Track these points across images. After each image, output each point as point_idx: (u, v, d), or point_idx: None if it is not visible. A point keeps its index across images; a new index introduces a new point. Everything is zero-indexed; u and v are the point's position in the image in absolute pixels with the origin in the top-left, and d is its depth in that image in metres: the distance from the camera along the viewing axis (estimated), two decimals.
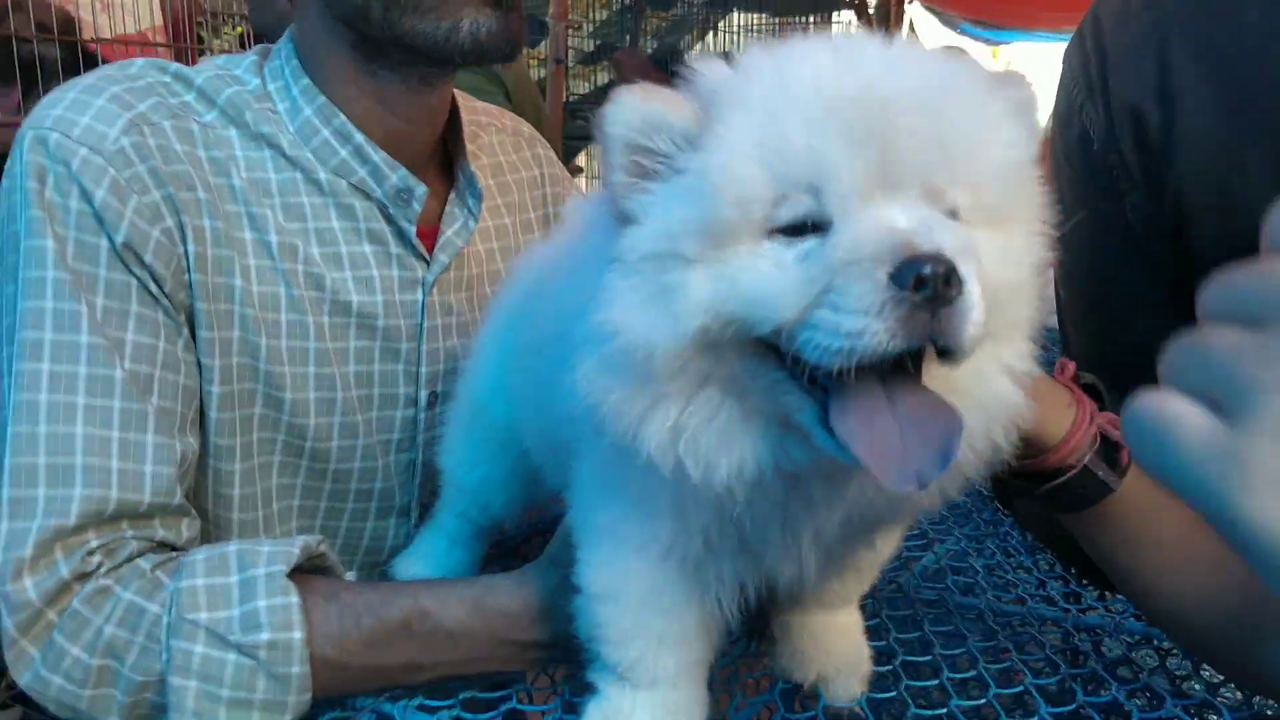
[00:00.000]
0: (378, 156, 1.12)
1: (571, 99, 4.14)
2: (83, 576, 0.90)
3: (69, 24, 2.82)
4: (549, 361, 0.74)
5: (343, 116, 1.11)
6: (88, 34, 3.06)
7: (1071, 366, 0.87)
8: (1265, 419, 0.38)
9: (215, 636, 0.87)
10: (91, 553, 0.90)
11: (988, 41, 6.66)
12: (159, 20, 3.26)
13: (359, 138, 1.12)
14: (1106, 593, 1.15)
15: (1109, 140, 0.89)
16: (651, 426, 0.63)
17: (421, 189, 1.15)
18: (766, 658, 0.95)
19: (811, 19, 5.44)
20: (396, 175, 1.13)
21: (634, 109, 0.61)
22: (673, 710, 0.80)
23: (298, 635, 0.88)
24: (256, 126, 1.10)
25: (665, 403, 0.63)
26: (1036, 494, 0.84)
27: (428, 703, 0.91)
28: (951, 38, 7.50)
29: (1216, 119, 0.79)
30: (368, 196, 1.14)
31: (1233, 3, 0.78)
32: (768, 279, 0.58)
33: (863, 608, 0.97)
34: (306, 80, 1.12)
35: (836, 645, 0.91)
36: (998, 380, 0.66)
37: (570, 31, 4.06)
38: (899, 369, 0.59)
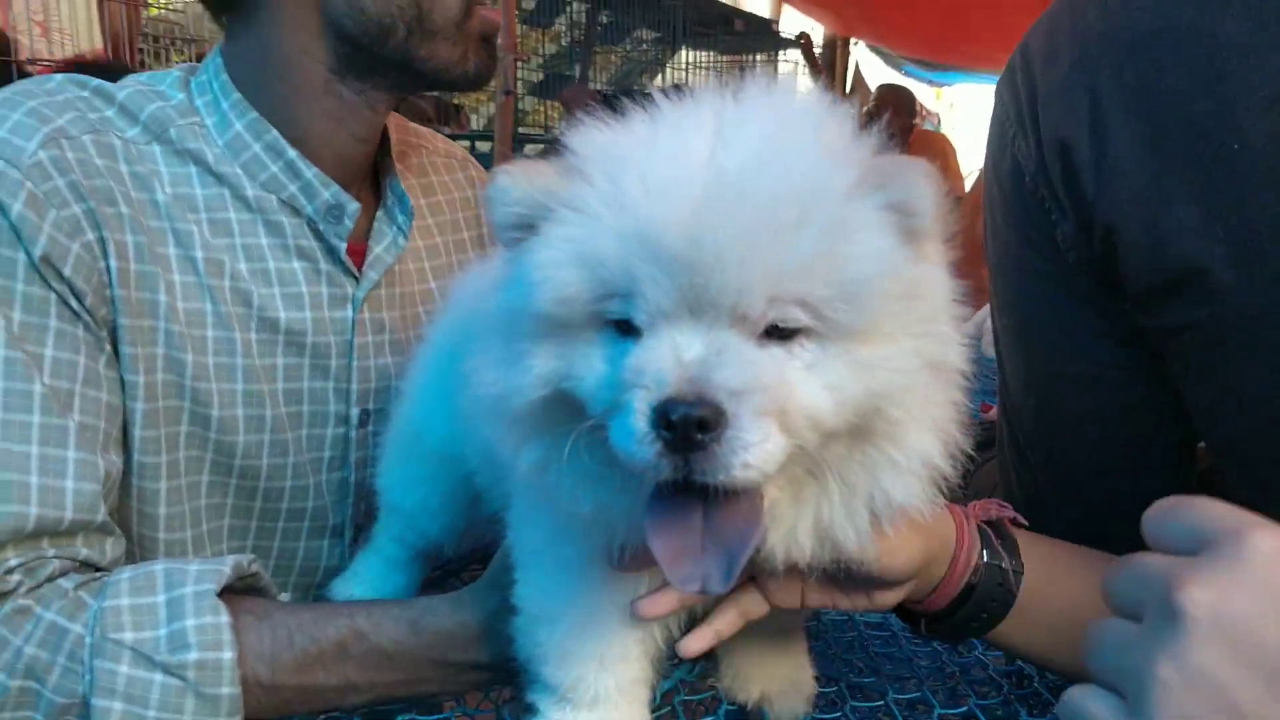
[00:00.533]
0: (310, 172, 1.11)
1: (520, 130, 4.15)
2: (1, 596, 0.86)
3: (3, 44, 2.77)
4: None
5: (275, 132, 1.10)
6: (24, 56, 3.01)
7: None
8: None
9: (141, 656, 0.84)
10: (10, 571, 0.86)
11: (931, 82, 6.84)
12: (99, 44, 3.21)
13: (291, 153, 1.10)
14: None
15: (1039, 172, 0.90)
16: (522, 460, 0.68)
17: (354, 205, 1.14)
18: (710, 679, 0.94)
19: (759, 57, 5.54)
20: (329, 191, 1.12)
21: (503, 196, 0.65)
22: None
23: (227, 655, 0.85)
24: (181, 142, 1.08)
25: (528, 443, 0.67)
26: (943, 629, 0.86)
27: None
28: (895, 78, 7.70)
29: (1143, 154, 0.81)
30: (297, 213, 1.12)
31: (1157, 47, 0.80)
32: (592, 371, 0.62)
33: (807, 630, 0.96)
34: (237, 95, 1.10)
35: (779, 665, 0.91)
36: (884, 474, 0.65)
37: (519, 64, 4.08)
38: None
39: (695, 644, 0.77)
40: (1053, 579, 0.84)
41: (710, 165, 0.59)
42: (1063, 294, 0.94)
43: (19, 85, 1.03)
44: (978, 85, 7.50)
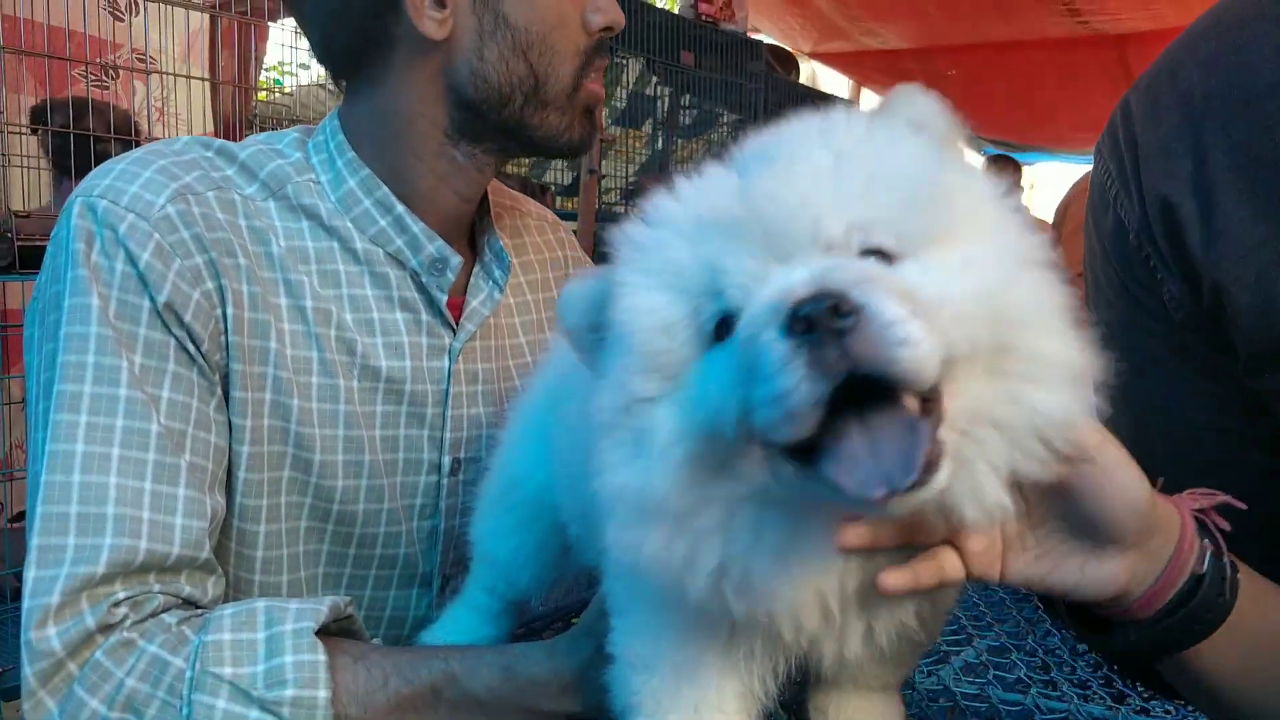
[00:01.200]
0: (417, 227, 1.16)
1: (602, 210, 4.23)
2: (107, 628, 0.88)
3: (127, 125, 2.95)
4: (587, 435, 0.74)
5: (385, 189, 1.15)
6: (144, 138, 3.19)
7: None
8: None
9: (239, 691, 0.85)
10: (117, 604, 0.89)
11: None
12: (211, 127, 3.40)
13: (400, 209, 1.15)
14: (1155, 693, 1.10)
15: (1144, 230, 0.89)
16: (697, 570, 0.63)
17: (457, 259, 1.18)
18: None
19: None
20: (434, 246, 1.16)
21: (572, 300, 0.68)
22: None
23: (323, 694, 0.85)
24: (297, 198, 1.13)
25: (705, 541, 0.62)
26: (1153, 637, 0.73)
27: None
28: (974, 157, 7.68)
29: (1251, 214, 0.79)
30: (402, 266, 1.17)
31: (1265, 105, 0.79)
32: (712, 388, 0.60)
33: (904, 700, 0.93)
34: (351, 154, 1.16)
35: None
36: (1034, 395, 0.60)
37: (603, 144, 4.17)
38: (879, 397, 0.56)
39: (894, 580, 0.66)
40: (1257, 596, 0.75)
41: (748, 153, 0.64)
42: (1172, 354, 0.91)
43: (150, 146, 1.10)
44: (1059, 164, 7.46)
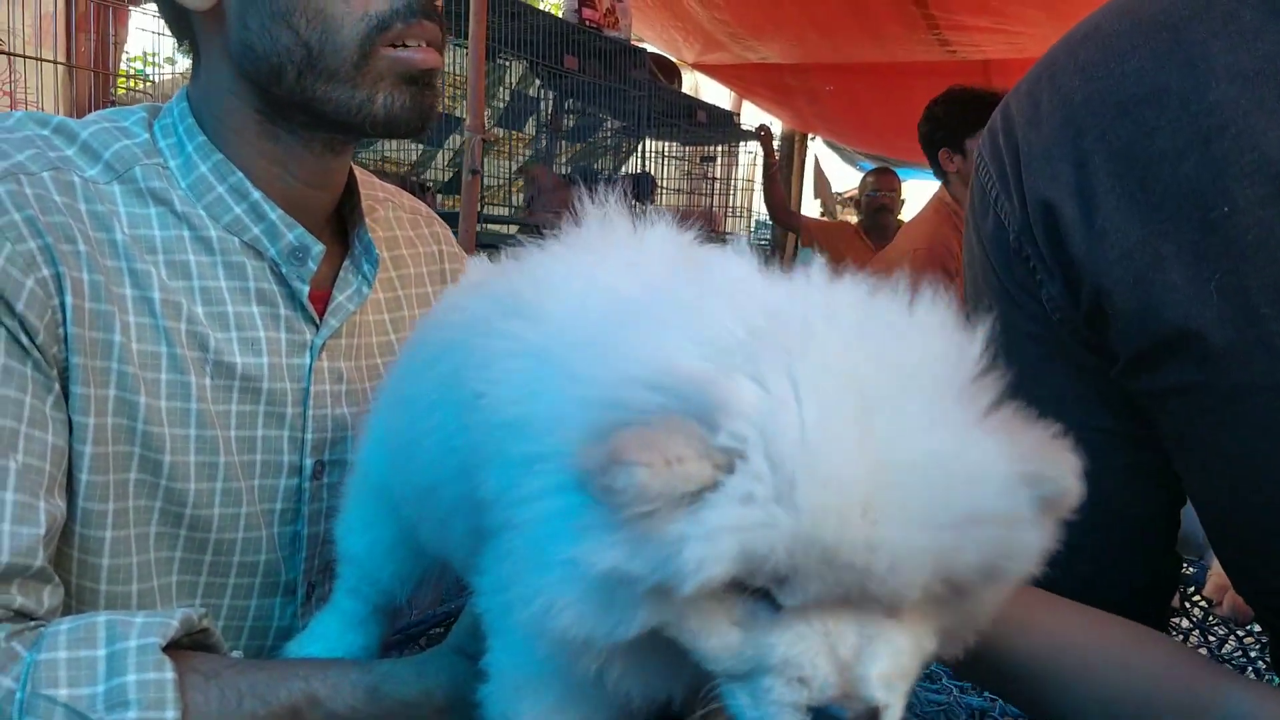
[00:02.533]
0: (274, 214, 1.09)
1: (484, 211, 4.17)
2: None
3: None
4: (468, 427, 0.70)
5: (240, 174, 1.08)
6: None
7: None
8: None
9: (75, 715, 0.77)
10: None
11: None
12: (65, 114, 3.19)
13: (256, 194, 1.09)
14: None
15: (1024, 232, 0.90)
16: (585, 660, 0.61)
17: (318, 247, 1.12)
18: None
19: (720, 148, 5.66)
20: (294, 234, 1.10)
21: (642, 486, 0.52)
22: None
23: (170, 715, 0.79)
24: (145, 181, 1.05)
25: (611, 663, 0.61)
26: None
27: None
28: (851, 172, 7.91)
29: (1132, 217, 0.80)
30: (260, 256, 1.10)
31: (1144, 110, 0.81)
32: (721, 636, 0.57)
33: None
34: (203, 138, 1.08)
35: None
36: None
37: (484, 143, 4.11)
38: None
39: None
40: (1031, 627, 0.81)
41: (877, 460, 0.53)
42: (1049, 356, 0.93)
43: None
44: (927, 181, 7.74)
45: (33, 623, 0.86)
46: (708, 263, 0.69)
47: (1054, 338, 0.91)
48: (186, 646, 0.86)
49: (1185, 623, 1.33)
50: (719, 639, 0.57)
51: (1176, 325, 0.78)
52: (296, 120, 1.08)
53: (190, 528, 1.04)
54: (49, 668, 0.79)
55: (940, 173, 3.64)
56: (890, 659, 0.56)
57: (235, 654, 0.95)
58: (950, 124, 3.48)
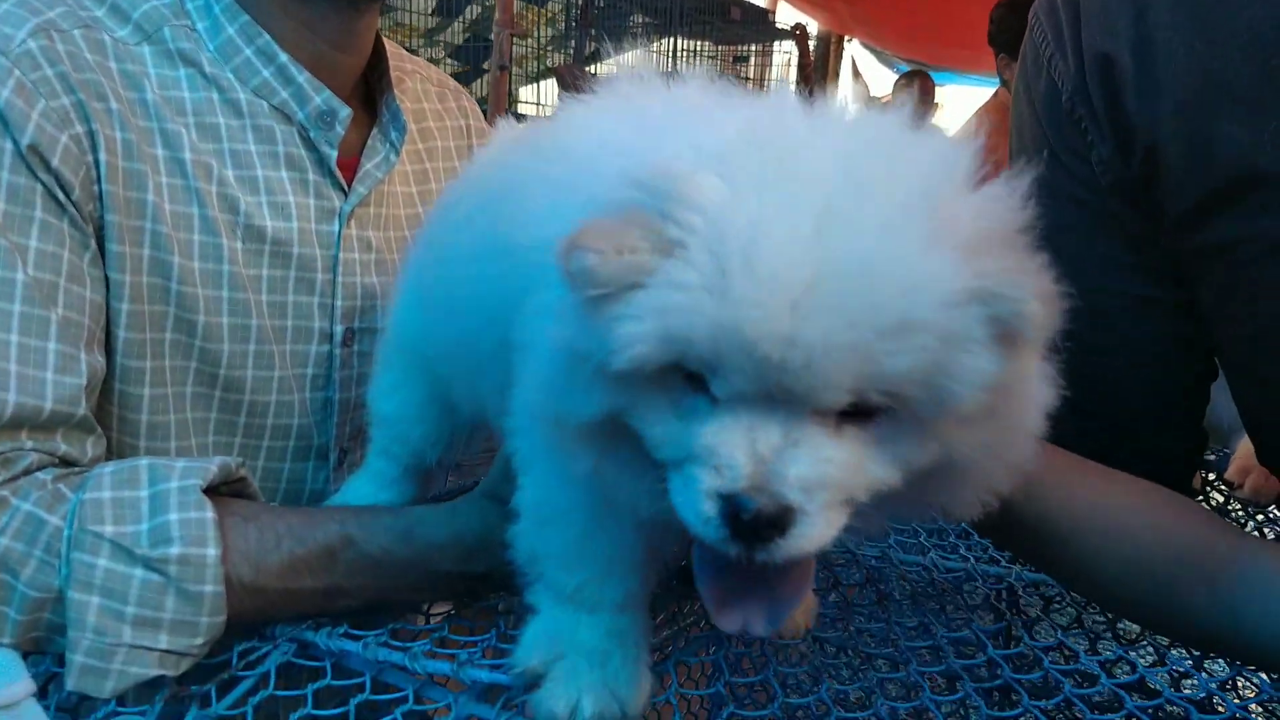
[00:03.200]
0: (302, 77, 1.09)
1: (515, 106, 4.13)
2: None
3: None
4: (504, 273, 0.71)
5: (267, 36, 1.08)
6: None
7: None
8: None
9: (120, 549, 0.80)
10: None
11: None
12: None
13: (283, 58, 1.08)
14: None
15: (1078, 91, 0.88)
16: (577, 466, 0.66)
17: (345, 111, 1.11)
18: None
19: (753, 47, 5.53)
20: (320, 97, 1.10)
21: (593, 272, 0.55)
22: (618, 633, 0.75)
23: (211, 552, 0.82)
24: (174, 43, 1.05)
25: (581, 451, 0.65)
26: None
27: (354, 631, 0.84)
28: (888, 74, 7.72)
29: (1191, 65, 0.79)
30: (288, 120, 1.10)
31: None
32: (661, 421, 0.60)
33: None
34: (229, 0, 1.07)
35: None
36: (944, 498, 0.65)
37: (515, 40, 4.05)
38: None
39: None
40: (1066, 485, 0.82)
41: (816, 258, 0.53)
42: (1092, 221, 0.93)
43: None
44: (966, 87, 7.54)
45: (77, 469, 0.89)
46: (733, 95, 0.68)
47: (1101, 203, 0.91)
48: (225, 495, 0.89)
49: (1206, 506, 1.34)
50: (662, 427, 0.59)
51: (1230, 175, 0.77)
52: None
53: (224, 389, 1.06)
54: (94, 506, 0.82)
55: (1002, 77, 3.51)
56: (813, 465, 0.56)
57: (272, 504, 0.98)
58: (1013, 27, 3.37)
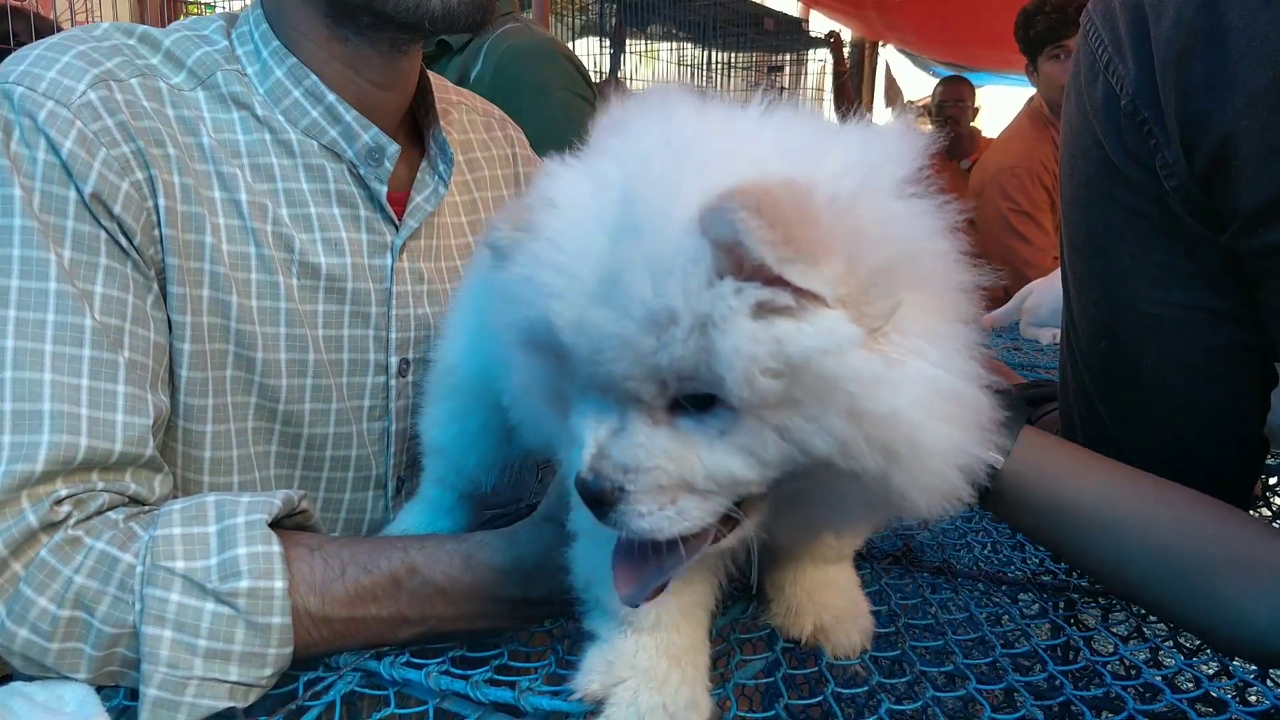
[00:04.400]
0: (349, 115, 1.12)
1: None
2: (51, 526, 0.85)
3: (51, 32, 2.81)
4: None
5: (314, 77, 1.11)
6: None
7: None
8: None
9: (192, 584, 0.83)
10: (60, 502, 0.86)
11: None
12: None
13: (331, 97, 1.11)
14: None
15: (1142, 93, 0.87)
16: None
17: (394, 147, 1.14)
18: (763, 617, 0.92)
19: (788, 57, 5.53)
20: (369, 134, 1.13)
21: (495, 239, 0.66)
22: (675, 653, 0.76)
23: (279, 584, 0.84)
24: (227, 87, 1.09)
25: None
26: None
27: (415, 660, 0.86)
28: (924, 78, 7.65)
29: (1266, 58, 0.77)
30: (338, 158, 1.13)
31: None
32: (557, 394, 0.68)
33: (859, 570, 0.94)
34: (277, 43, 1.11)
35: (831, 598, 0.89)
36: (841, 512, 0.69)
37: None
38: None
39: None
40: (1042, 472, 0.84)
41: (608, 257, 0.59)
42: (1151, 230, 0.91)
43: (67, 32, 1.04)
44: (1006, 88, 7.45)
45: (146, 508, 0.92)
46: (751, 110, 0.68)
47: (1161, 211, 0.89)
48: (288, 528, 0.92)
49: (1266, 511, 1.31)
50: (560, 406, 0.67)
51: None
52: (362, 21, 1.10)
53: (284, 423, 1.09)
54: (166, 543, 0.85)
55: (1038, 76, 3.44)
56: (629, 450, 0.62)
57: (333, 535, 1.01)
58: (1056, 22, 3.27)
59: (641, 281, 0.57)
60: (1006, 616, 0.97)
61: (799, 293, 0.56)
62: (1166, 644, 0.94)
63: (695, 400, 0.60)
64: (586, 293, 0.59)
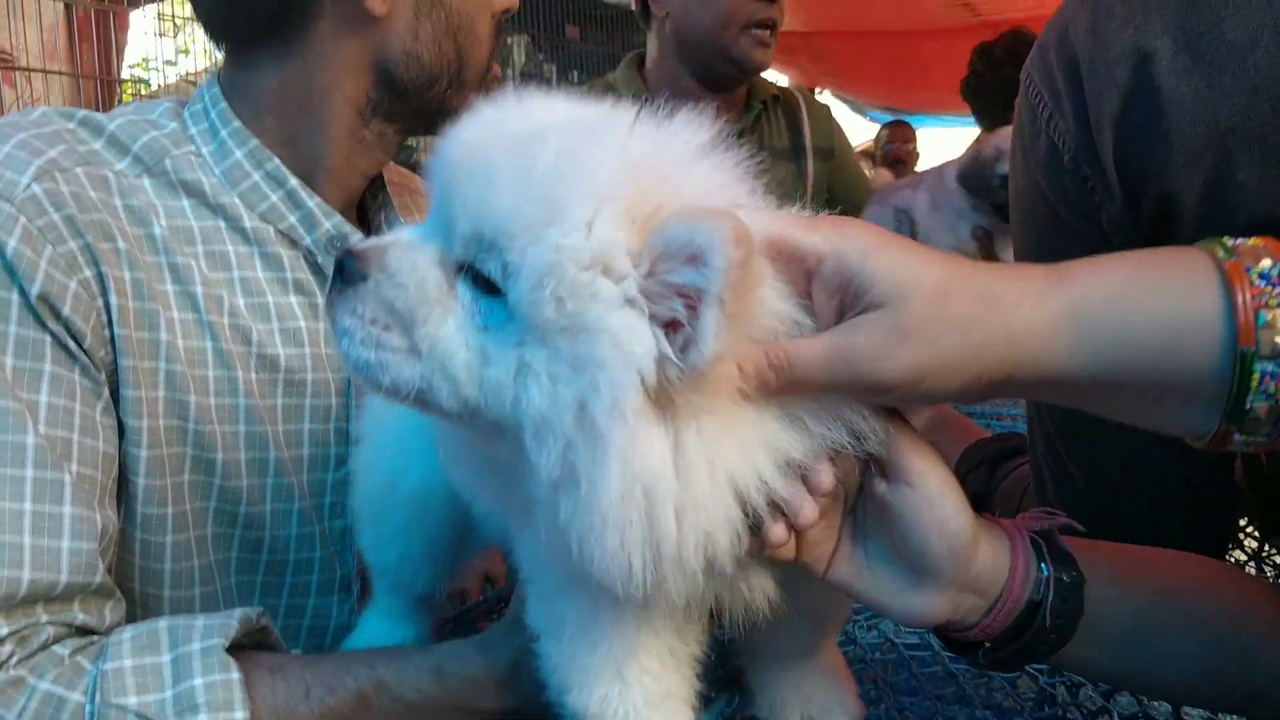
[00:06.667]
0: (312, 202, 1.09)
1: None
2: None
3: None
4: None
5: (276, 161, 1.08)
6: None
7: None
8: None
9: None
10: (1, 641, 0.81)
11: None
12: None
13: (293, 182, 1.08)
14: None
15: (1082, 149, 0.86)
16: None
17: (356, 236, 1.12)
18: (749, 711, 0.89)
19: None
20: (331, 222, 1.10)
21: None
22: None
23: (239, 715, 0.79)
24: (177, 173, 1.05)
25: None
26: (1000, 658, 0.73)
27: None
28: (863, 123, 7.81)
29: (1199, 115, 0.77)
30: (294, 245, 1.10)
31: (1209, 2, 0.77)
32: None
33: (845, 655, 0.91)
34: (237, 124, 1.08)
35: (816, 686, 0.86)
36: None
37: None
38: None
39: None
40: (1127, 589, 0.76)
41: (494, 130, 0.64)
42: None
43: (3, 119, 0.99)
44: (944, 129, 7.63)
45: (95, 638, 0.87)
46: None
47: None
48: (247, 647, 0.87)
49: (1240, 555, 1.31)
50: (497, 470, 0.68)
51: (1250, 223, 0.73)
52: (406, 121, 1.13)
53: (245, 527, 1.05)
54: (116, 676, 0.80)
55: (995, 121, 3.49)
56: (404, 258, 0.63)
57: (294, 653, 0.96)
58: (988, 86, 3.32)
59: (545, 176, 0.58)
60: (1009, 701, 0.95)
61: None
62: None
63: (486, 285, 0.60)
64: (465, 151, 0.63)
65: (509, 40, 4.34)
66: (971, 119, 3.80)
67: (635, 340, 0.55)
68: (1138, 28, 0.81)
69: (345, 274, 0.62)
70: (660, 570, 0.58)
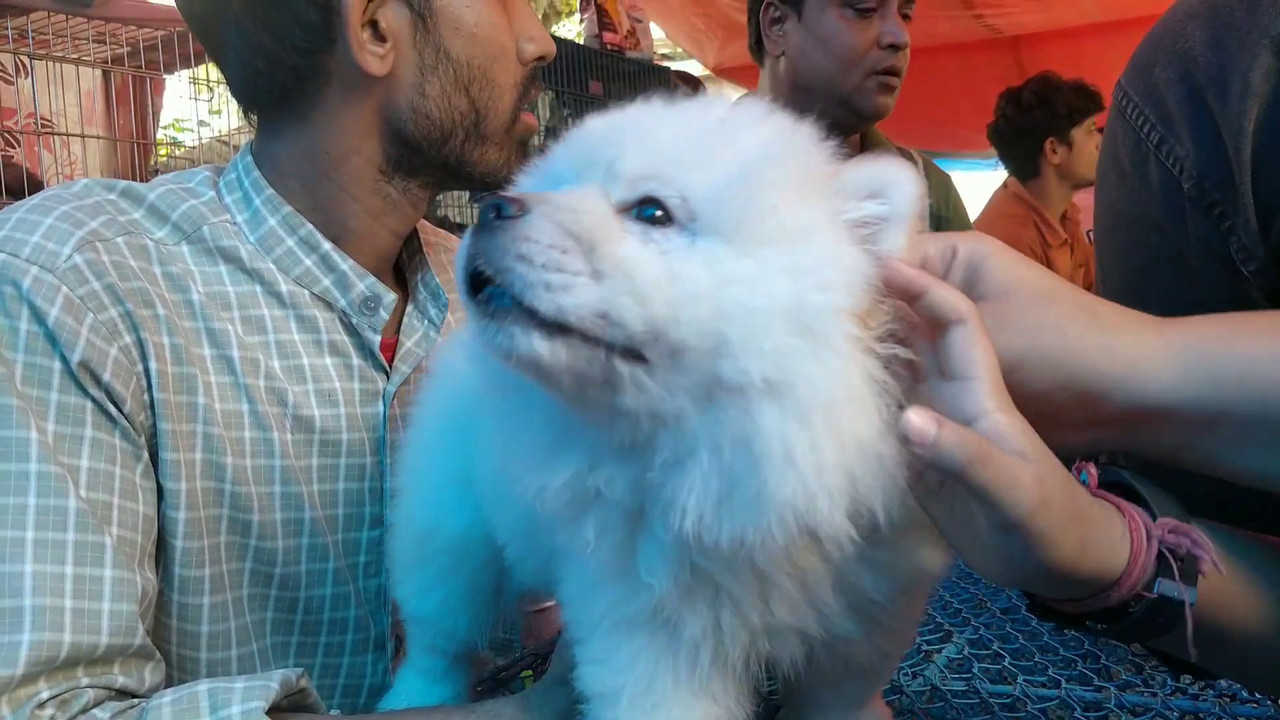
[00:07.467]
0: (345, 265, 1.10)
1: None
2: None
3: (37, 185, 2.82)
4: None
5: (309, 226, 1.09)
6: None
7: (1094, 471, 0.69)
8: None
9: None
10: (42, 705, 0.81)
11: None
12: None
13: (326, 246, 1.10)
14: (1147, 669, 1.08)
15: (1209, 174, 0.80)
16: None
17: (390, 296, 1.13)
18: None
19: None
20: (364, 283, 1.11)
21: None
22: None
23: None
24: (214, 240, 1.07)
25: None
26: (1097, 630, 0.70)
27: None
28: None
29: None
30: (330, 307, 1.11)
31: None
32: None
33: (891, 705, 0.89)
34: (270, 192, 1.10)
35: None
36: (753, 456, 0.57)
37: None
38: None
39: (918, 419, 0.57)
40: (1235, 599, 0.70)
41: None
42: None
43: (47, 192, 1.01)
44: (962, 173, 7.60)
45: (135, 700, 0.86)
46: None
47: (1240, 299, 0.81)
48: (286, 709, 0.86)
49: None
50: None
51: None
52: (425, 176, 1.13)
53: (280, 587, 1.05)
54: None
55: (1023, 167, 3.40)
56: (565, 207, 0.62)
57: (334, 713, 0.95)
58: (1056, 111, 3.28)
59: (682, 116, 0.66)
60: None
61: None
62: None
63: (654, 220, 0.61)
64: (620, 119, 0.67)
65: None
66: (993, 161, 3.78)
67: (844, 250, 0.61)
68: (1266, 30, 0.77)
69: (500, 214, 0.58)
70: (853, 479, 0.58)
